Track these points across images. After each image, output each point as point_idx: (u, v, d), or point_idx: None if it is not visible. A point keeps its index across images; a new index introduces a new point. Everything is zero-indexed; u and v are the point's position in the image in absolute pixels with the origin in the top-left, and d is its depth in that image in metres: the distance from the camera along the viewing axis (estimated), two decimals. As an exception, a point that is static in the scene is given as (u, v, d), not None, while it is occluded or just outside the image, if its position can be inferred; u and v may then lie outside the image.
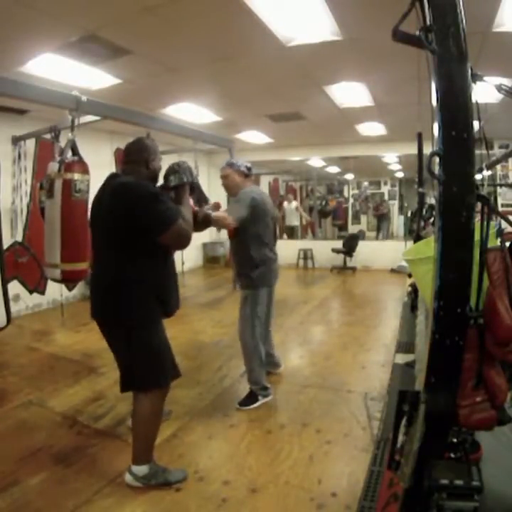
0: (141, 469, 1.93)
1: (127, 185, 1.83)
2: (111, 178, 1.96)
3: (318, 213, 11.40)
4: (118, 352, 1.95)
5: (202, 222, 2.27)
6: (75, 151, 3.19)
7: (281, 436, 2.41)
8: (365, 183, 12.89)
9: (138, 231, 1.78)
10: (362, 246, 8.56)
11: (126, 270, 1.83)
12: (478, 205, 0.96)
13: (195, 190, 2.10)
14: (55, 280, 3.21)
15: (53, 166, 3.06)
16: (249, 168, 2.81)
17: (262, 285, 2.73)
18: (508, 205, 6.72)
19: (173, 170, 1.98)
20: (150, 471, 1.93)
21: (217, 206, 2.62)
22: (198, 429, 2.50)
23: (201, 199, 2.24)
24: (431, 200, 3.31)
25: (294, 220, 9.79)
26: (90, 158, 3.27)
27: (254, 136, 7.31)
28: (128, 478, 1.94)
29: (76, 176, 3.03)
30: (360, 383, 3.11)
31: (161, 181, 2.05)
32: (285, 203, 9.91)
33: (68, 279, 3.24)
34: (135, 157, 1.95)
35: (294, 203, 9.93)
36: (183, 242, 1.88)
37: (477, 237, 0.94)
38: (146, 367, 1.88)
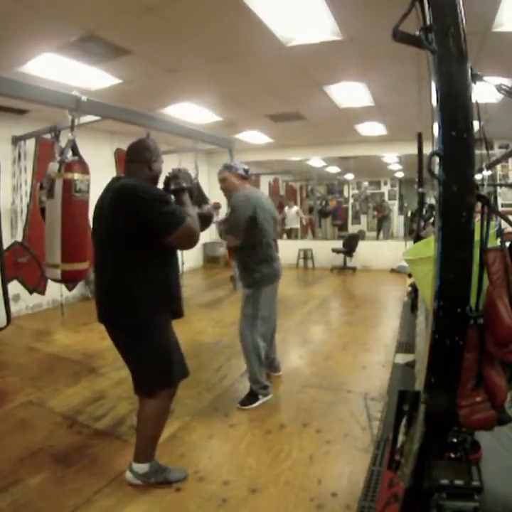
0: (142, 467, 1.93)
1: (131, 187, 1.82)
2: (114, 181, 1.97)
3: (318, 213, 11.41)
4: (127, 354, 1.93)
5: (203, 221, 2.28)
6: (75, 151, 3.19)
7: (281, 436, 2.41)
8: (365, 183, 12.89)
9: (146, 232, 1.78)
10: (362, 246, 8.56)
11: (135, 271, 1.81)
12: (478, 205, 0.96)
13: (194, 194, 2.13)
14: (55, 280, 3.21)
15: (53, 166, 3.06)
16: (246, 171, 2.82)
17: (265, 284, 2.75)
18: (508, 205, 6.71)
19: (173, 176, 2.00)
20: (150, 469, 1.94)
21: (217, 206, 2.62)
22: (198, 429, 2.50)
23: (201, 200, 2.25)
24: (431, 200, 3.31)
25: (294, 223, 10.37)
26: (90, 159, 3.27)
27: (254, 136, 7.31)
28: (128, 475, 1.95)
29: (76, 176, 3.03)
30: (360, 383, 3.11)
31: (160, 185, 2.05)
32: (286, 208, 10.57)
33: (68, 279, 3.25)
34: (137, 157, 1.95)
35: (295, 208, 10.64)
36: (193, 241, 1.88)
37: (477, 237, 0.94)
38: (156, 370, 1.88)
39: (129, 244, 1.80)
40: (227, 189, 2.80)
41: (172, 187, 1.98)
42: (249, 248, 2.72)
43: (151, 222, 1.77)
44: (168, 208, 1.79)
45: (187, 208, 1.93)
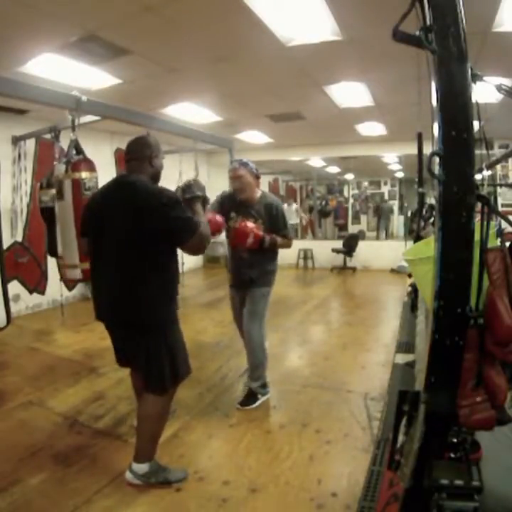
0: (142, 467, 1.93)
1: (150, 190, 1.82)
2: (121, 178, 1.96)
3: (318, 213, 11.43)
4: (138, 353, 1.91)
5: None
6: (78, 150, 3.18)
7: (281, 437, 2.41)
8: (365, 183, 12.89)
9: (158, 235, 1.78)
10: (362, 246, 8.57)
11: (145, 270, 1.81)
12: (478, 205, 0.96)
13: (206, 203, 2.20)
14: (75, 281, 3.22)
15: (60, 167, 3.03)
16: (257, 170, 2.81)
17: (273, 282, 2.82)
18: (508, 205, 6.71)
19: (188, 185, 2.06)
20: (150, 469, 1.94)
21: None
22: (198, 429, 2.50)
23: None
24: (431, 200, 3.31)
25: (292, 219, 10.65)
26: (91, 159, 3.26)
27: (254, 136, 7.31)
28: (128, 475, 1.94)
29: (84, 175, 3.00)
30: (360, 383, 3.11)
31: (162, 183, 2.06)
32: (285, 205, 10.74)
33: (88, 278, 3.26)
34: (138, 154, 1.93)
35: (294, 206, 11.16)
36: (204, 247, 1.91)
37: (477, 237, 0.94)
38: (168, 368, 1.88)
39: (139, 244, 1.79)
40: (242, 189, 2.62)
41: (187, 195, 2.03)
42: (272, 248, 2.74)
43: (168, 228, 1.77)
44: (187, 214, 1.82)
45: (199, 216, 1.95)
